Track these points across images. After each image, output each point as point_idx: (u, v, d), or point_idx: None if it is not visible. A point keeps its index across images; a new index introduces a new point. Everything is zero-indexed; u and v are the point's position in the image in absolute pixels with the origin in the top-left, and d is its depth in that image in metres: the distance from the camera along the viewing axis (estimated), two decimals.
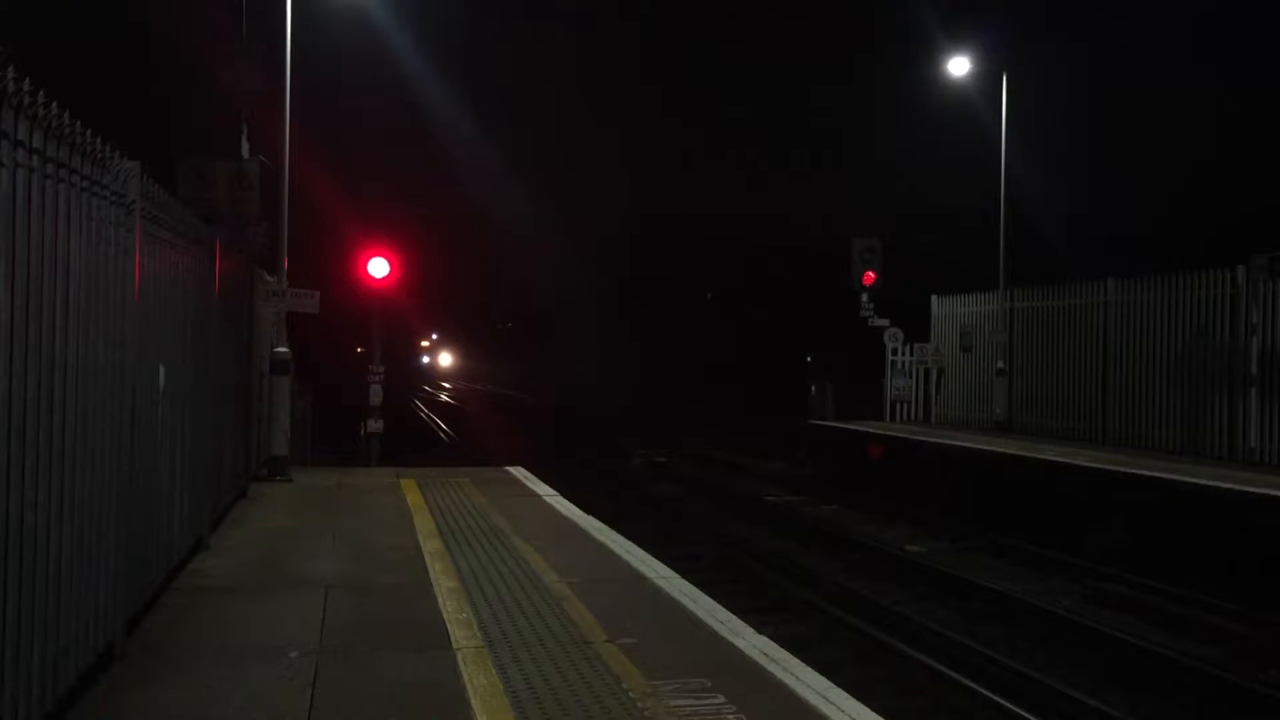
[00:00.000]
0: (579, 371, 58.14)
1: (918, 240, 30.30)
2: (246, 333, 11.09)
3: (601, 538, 9.28)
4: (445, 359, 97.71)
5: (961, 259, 26.43)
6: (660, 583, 7.52)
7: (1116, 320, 17.36)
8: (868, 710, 5.01)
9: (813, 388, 23.36)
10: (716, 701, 5.06)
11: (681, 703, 5.02)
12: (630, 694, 5.12)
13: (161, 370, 6.50)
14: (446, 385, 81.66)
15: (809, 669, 5.62)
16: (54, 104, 4.29)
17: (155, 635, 5.98)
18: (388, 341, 18.00)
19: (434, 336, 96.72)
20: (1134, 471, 13.33)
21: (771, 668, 5.62)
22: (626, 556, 8.47)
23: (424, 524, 9.75)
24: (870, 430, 19.97)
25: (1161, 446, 16.20)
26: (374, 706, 4.92)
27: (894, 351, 22.15)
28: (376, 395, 16.97)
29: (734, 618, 6.61)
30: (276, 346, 13.20)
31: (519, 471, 13.89)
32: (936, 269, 25.81)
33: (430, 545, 8.70)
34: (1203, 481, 12.30)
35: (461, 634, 6.09)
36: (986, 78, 21.72)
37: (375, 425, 17.08)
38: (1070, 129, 37.80)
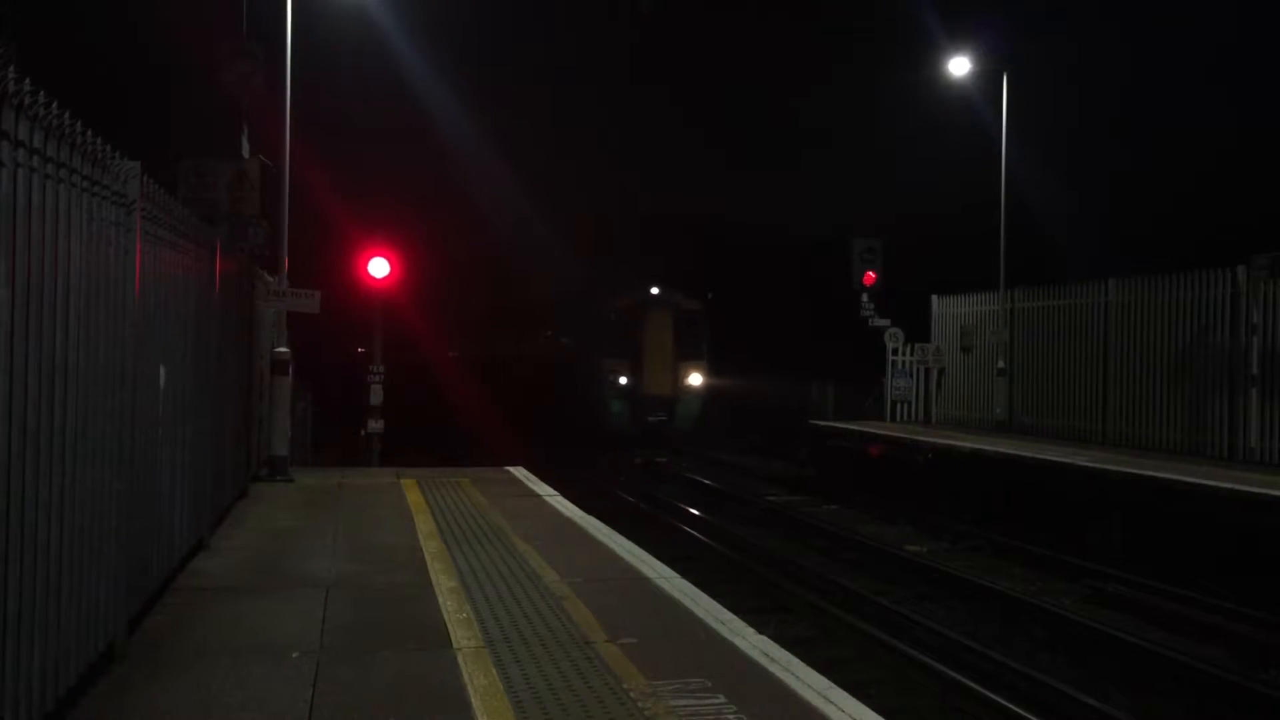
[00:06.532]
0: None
1: (918, 240, 30.23)
2: (246, 333, 11.09)
3: (601, 537, 9.28)
4: (695, 378, 31.27)
5: (962, 259, 26.40)
6: (660, 582, 7.52)
7: (1116, 320, 17.36)
8: (868, 710, 5.01)
9: (813, 388, 23.38)
10: (717, 701, 5.06)
11: (682, 703, 5.02)
12: (631, 694, 5.12)
13: (162, 370, 6.50)
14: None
15: (809, 669, 5.62)
16: (54, 104, 4.29)
17: (156, 635, 5.99)
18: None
19: (654, 291, 29.70)
20: (1134, 471, 13.33)
21: (772, 668, 5.62)
22: (626, 556, 8.47)
23: (424, 524, 9.75)
24: (870, 430, 19.96)
25: (1162, 446, 16.20)
26: (374, 706, 4.92)
27: (894, 351, 22.14)
28: (376, 395, 17.04)
29: (734, 618, 6.61)
30: (276, 346, 13.21)
31: (519, 471, 13.89)
32: (936, 269, 25.78)
33: (430, 545, 8.70)
34: (1203, 481, 12.29)
35: (462, 634, 6.10)
36: (987, 77, 21.74)
37: (375, 425, 17.13)
38: (1070, 128, 37.83)
